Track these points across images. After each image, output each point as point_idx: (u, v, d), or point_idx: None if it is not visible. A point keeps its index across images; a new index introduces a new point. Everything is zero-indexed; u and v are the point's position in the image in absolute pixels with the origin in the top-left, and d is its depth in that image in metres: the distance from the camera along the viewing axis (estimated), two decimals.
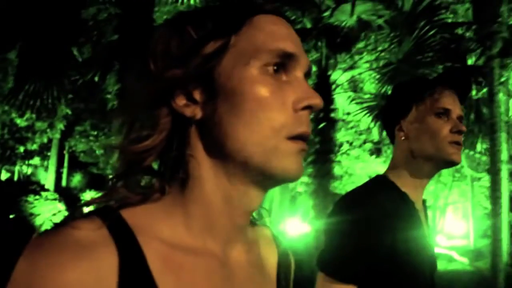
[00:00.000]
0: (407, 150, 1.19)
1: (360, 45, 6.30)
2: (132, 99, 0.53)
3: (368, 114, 5.71)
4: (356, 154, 12.95)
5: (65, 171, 20.46)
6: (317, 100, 0.52)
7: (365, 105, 5.74)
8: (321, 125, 5.40)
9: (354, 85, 7.25)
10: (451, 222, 22.45)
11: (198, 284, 0.51)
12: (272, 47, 0.51)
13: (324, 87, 5.55)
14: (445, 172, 16.03)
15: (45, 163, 18.74)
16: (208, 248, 0.53)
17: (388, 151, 14.23)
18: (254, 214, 0.60)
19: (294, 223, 12.27)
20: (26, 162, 19.14)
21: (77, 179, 21.67)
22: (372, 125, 5.78)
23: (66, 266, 0.43)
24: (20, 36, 5.30)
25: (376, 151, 14.43)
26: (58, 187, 16.47)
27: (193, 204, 0.53)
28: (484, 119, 6.12)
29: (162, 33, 0.55)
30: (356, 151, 12.92)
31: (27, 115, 12.36)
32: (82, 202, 0.52)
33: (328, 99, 5.45)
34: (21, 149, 16.89)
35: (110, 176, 0.53)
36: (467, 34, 6.29)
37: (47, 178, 16.54)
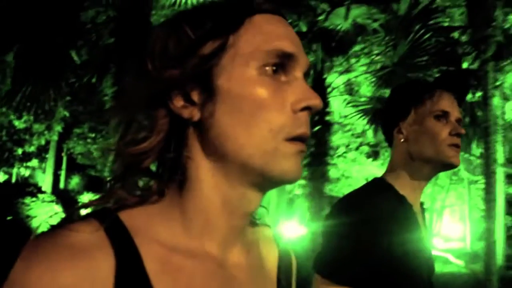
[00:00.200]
0: (406, 152, 1.19)
1: (356, 48, 6.34)
2: (129, 100, 0.52)
3: (363, 117, 5.74)
4: (353, 157, 12.98)
5: (63, 173, 20.45)
6: (316, 101, 0.51)
7: (360, 108, 5.78)
8: (316, 128, 5.43)
9: (350, 88, 7.28)
10: (448, 225, 22.48)
11: (196, 287, 0.51)
12: (270, 48, 0.50)
13: (319, 90, 5.58)
14: (442, 175, 16.06)
15: (43, 165, 18.71)
16: (206, 250, 0.53)
17: (386, 154, 14.27)
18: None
19: (291, 226, 12.28)
20: (24, 164, 19.10)
21: (75, 181, 21.65)
22: (367, 127, 5.80)
23: (62, 270, 0.43)
24: (17, 38, 5.32)
25: (374, 154, 14.47)
26: (56, 189, 16.46)
27: (191, 206, 0.52)
28: (478, 122, 6.16)
29: (160, 32, 0.54)
30: (353, 154, 12.96)
31: (25, 117, 12.38)
32: (80, 204, 0.52)
33: (323, 102, 5.46)
34: (19, 151, 16.88)
35: (108, 178, 0.53)
36: (463, 38, 6.34)
37: (45, 180, 16.52)
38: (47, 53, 5.40)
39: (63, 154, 19.22)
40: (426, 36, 5.45)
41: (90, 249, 0.45)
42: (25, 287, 0.42)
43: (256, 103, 0.49)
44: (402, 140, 1.20)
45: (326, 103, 5.61)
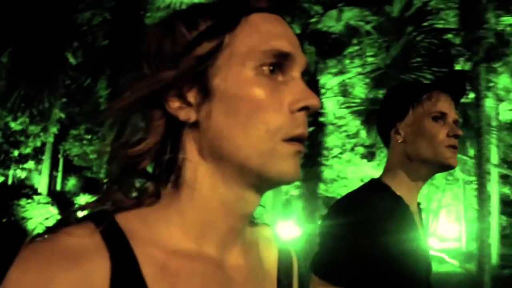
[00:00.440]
0: (403, 153, 1.19)
1: (350, 50, 6.37)
2: (124, 101, 0.51)
3: (356, 118, 5.77)
4: (348, 158, 13.02)
5: (59, 175, 20.41)
6: (314, 101, 0.51)
7: (353, 109, 5.81)
8: (310, 129, 5.46)
9: (344, 90, 7.32)
10: (444, 225, 22.55)
11: None
12: (267, 47, 0.50)
13: (313, 92, 5.59)
14: (438, 175, 16.08)
15: (40, 167, 18.68)
16: (204, 252, 0.52)
17: (381, 155, 14.31)
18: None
19: (287, 227, 12.30)
20: (20, 166, 19.06)
21: (72, 183, 21.63)
22: (360, 128, 5.84)
23: (56, 275, 0.43)
24: (12, 39, 5.33)
25: (369, 155, 14.51)
26: (52, 191, 16.43)
27: (188, 208, 0.52)
28: (471, 123, 6.21)
29: (155, 33, 0.53)
30: (348, 155, 12.99)
31: (21, 119, 12.36)
32: (76, 207, 0.51)
33: None
34: (15, 153, 16.85)
35: (105, 180, 0.52)
36: (456, 39, 6.39)
37: (41, 182, 16.50)
38: (42, 54, 5.41)
39: (59, 156, 19.19)
40: (419, 38, 5.50)
41: (85, 253, 0.45)
42: None
43: (253, 104, 0.49)
44: (399, 140, 1.20)
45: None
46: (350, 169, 13.23)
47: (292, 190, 14.77)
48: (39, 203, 10.17)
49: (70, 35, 5.89)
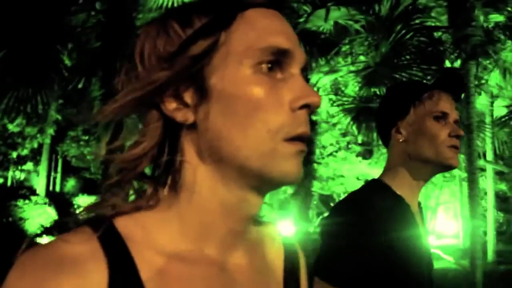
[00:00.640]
0: (404, 152, 1.19)
1: (343, 48, 6.41)
2: (118, 103, 0.49)
3: (346, 116, 5.82)
4: (343, 156, 13.06)
5: (58, 176, 20.50)
6: (315, 98, 0.49)
7: (343, 107, 5.86)
8: None
9: (336, 88, 7.37)
10: (442, 222, 22.59)
11: None
12: (265, 44, 0.48)
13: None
14: None
15: (38, 168, 18.74)
16: (206, 256, 0.51)
17: (379, 153, 14.35)
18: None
19: (284, 225, 12.33)
20: (19, 167, 19.14)
21: (71, 184, 21.70)
22: (352, 127, 5.89)
23: (51, 284, 0.42)
24: (4, 41, 5.36)
25: (368, 153, 14.56)
26: (50, 192, 16.49)
27: (188, 211, 0.50)
28: (461, 120, 6.25)
29: (149, 31, 0.51)
30: (343, 153, 13.03)
31: (17, 121, 12.41)
32: (73, 213, 0.51)
33: None
34: (14, 154, 16.93)
35: (103, 185, 0.51)
36: (447, 37, 6.43)
37: (39, 183, 16.57)
38: (36, 56, 5.45)
39: (58, 157, 19.26)
40: (408, 36, 5.54)
41: (81, 260, 0.44)
42: None
43: (251, 103, 0.47)
44: (401, 140, 1.20)
45: None
46: (345, 167, 13.27)
47: (288, 188, 14.81)
48: (36, 203, 10.24)
49: (65, 36, 5.93)
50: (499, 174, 13.33)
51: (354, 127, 5.69)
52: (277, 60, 0.49)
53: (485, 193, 12.56)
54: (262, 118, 0.47)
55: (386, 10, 5.52)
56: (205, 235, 0.51)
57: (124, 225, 0.48)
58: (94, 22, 6.38)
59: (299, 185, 5.75)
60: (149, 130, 0.50)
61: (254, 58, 0.48)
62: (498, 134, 8.65)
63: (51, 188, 19.93)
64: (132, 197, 0.52)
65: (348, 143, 12.50)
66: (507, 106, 6.96)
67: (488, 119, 9.84)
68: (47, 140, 15.37)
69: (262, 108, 0.47)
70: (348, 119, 5.79)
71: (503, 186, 15.18)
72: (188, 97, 0.49)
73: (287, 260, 0.62)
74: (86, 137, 16.06)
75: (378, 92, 5.73)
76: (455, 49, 5.75)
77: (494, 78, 7.41)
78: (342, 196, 15.84)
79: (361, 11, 5.32)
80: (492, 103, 10.23)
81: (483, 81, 7.26)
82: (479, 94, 8.65)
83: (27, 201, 9.97)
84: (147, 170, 0.52)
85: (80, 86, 6.15)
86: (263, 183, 0.50)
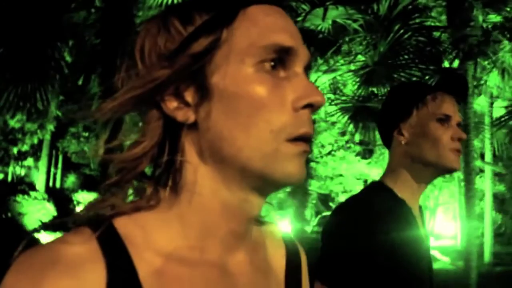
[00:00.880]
0: (406, 154, 1.18)
1: (344, 47, 6.42)
2: (117, 101, 0.48)
3: (344, 115, 5.84)
4: (342, 155, 13.07)
5: (59, 172, 20.56)
6: (318, 97, 0.48)
7: (340, 106, 5.87)
8: None
9: (334, 87, 7.38)
10: (441, 223, 22.58)
11: None
12: (267, 42, 0.47)
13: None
14: None
15: (39, 164, 18.80)
16: (206, 258, 0.50)
17: (378, 152, 14.36)
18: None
19: (282, 225, 12.36)
20: (20, 163, 19.21)
21: (71, 180, 21.75)
22: (349, 126, 5.90)
23: (49, 286, 0.41)
24: (3, 38, 5.38)
25: (368, 153, 14.56)
26: (50, 188, 16.55)
27: (189, 212, 0.49)
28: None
29: (150, 28, 0.51)
30: (342, 152, 13.05)
31: (18, 116, 12.45)
32: (72, 209, 0.50)
33: None
34: (15, 150, 16.98)
35: (102, 185, 0.50)
36: (445, 37, 6.43)
37: (38, 179, 16.63)
38: (36, 52, 5.47)
39: (59, 153, 19.32)
40: (407, 35, 5.55)
41: (80, 262, 0.43)
42: None
43: (254, 103, 0.46)
44: (403, 142, 1.19)
45: None
46: (343, 166, 13.29)
47: (286, 187, 14.80)
48: (35, 199, 10.30)
49: (65, 33, 5.94)
50: (498, 176, 13.33)
51: (351, 126, 5.70)
52: (280, 58, 0.48)
53: (483, 194, 12.56)
54: (265, 118, 0.46)
55: (384, 10, 5.53)
56: (206, 236, 0.50)
57: (124, 225, 0.48)
58: (94, 19, 6.40)
59: (297, 184, 5.74)
60: (149, 130, 0.49)
61: (256, 56, 0.47)
62: (497, 135, 8.66)
63: (51, 184, 19.99)
64: (131, 197, 0.51)
65: (347, 142, 12.51)
66: (506, 107, 6.95)
67: (487, 120, 9.83)
68: (47, 136, 15.42)
69: (264, 107, 0.46)
70: (345, 118, 5.81)
71: (502, 188, 15.17)
72: (189, 96, 0.48)
73: (289, 260, 0.62)
74: (87, 134, 16.11)
75: (375, 92, 5.74)
76: (453, 49, 5.75)
77: (493, 79, 7.41)
78: (341, 195, 15.97)
79: (360, 10, 5.33)
80: (491, 104, 10.23)
81: (481, 82, 7.25)
82: (478, 95, 8.65)
83: (26, 197, 10.02)
84: (147, 170, 0.51)
85: (80, 82, 6.17)
86: (265, 184, 0.49)
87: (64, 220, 0.49)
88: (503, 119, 6.49)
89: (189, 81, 0.48)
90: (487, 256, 11.72)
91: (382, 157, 13.70)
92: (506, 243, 14.59)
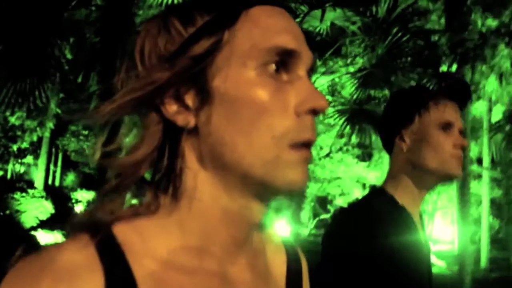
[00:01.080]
0: (407, 161, 1.18)
1: (344, 50, 6.43)
2: (116, 103, 0.47)
3: (340, 117, 5.85)
4: (339, 158, 13.10)
5: (58, 170, 20.59)
6: (321, 102, 0.46)
7: (338, 107, 5.89)
8: None
9: (333, 89, 7.40)
10: (440, 228, 22.54)
11: None
12: (270, 44, 0.46)
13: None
14: None
15: (38, 161, 18.84)
16: (206, 265, 0.49)
17: (376, 156, 14.36)
18: None
19: (280, 227, 12.36)
20: (19, 160, 19.25)
21: (70, 178, 21.77)
22: (345, 128, 5.91)
23: None
24: (4, 35, 5.40)
25: (368, 156, 14.57)
26: (49, 186, 16.58)
27: (189, 218, 0.48)
28: None
29: (150, 29, 0.50)
30: (339, 155, 13.07)
31: (17, 114, 12.49)
32: (70, 208, 0.49)
33: None
34: (14, 147, 17.02)
35: (101, 190, 0.49)
36: (443, 41, 6.45)
37: (37, 177, 16.66)
38: (36, 50, 5.48)
39: (59, 151, 19.35)
40: (405, 38, 5.56)
41: (77, 270, 0.42)
42: None
43: (255, 107, 0.45)
44: (404, 148, 1.18)
45: None
46: (341, 168, 13.31)
47: None
48: (33, 196, 10.31)
49: (66, 31, 5.96)
50: (496, 181, 13.30)
51: (347, 128, 5.72)
52: (283, 61, 0.47)
53: (480, 200, 12.55)
54: (267, 123, 0.45)
55: (383, 12, 5.55)
56: (206, 243, 0.49)
57: (123, 232, 0.47)
58: (95, 17, 6.42)
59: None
60: (149, 134, 0.48)
61: (258, 59, 0.46)
62: (496, 141, 8.66)
63: (50, 182, 20.02)
64: (130, 201, 0.50)
65: (345, 144, 12.54)
66: (503, 112, 6.96)
67: (485, 125, 9.85)
68: (47, 134, 15.45)
69: (266, 112, 0.45)
70: (342, 120, 5.82)
71: (499, 193, 15.14)
72: (189, 99, 0.47)
73: (289, 266, 0.61)
74: (86, 132, 16.14)
75: (372, 94, 5.75)
76: (451, 53, 5.77)
77: (491, 83, 7.43)
78: (338, 198, 15.96)
79: (358, 13, 5.34)
80: (490, 109, 10.24)
81: (480, 87, 7.27)
82: (476, 99, 8.66)
83: (24, 194, 10.05)
84: (147, 174, 0.50)
85: (79, 80, 6.19)
86: (267, 191, 0.48)
87: (64, 226, 0.48)
88: (500, 124, 6.51)
89: (189, 84, 0.47)
90: (483, 262, 11.72)
91: (381, 161, 13.71)
92: (503, 248, 14.55)
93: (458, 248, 6.58)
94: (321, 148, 12.57)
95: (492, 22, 5.83)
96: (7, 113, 13.49)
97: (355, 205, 1.17)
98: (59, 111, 13.78)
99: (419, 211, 1.21)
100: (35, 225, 9.75)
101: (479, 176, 12.70)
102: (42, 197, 10.61)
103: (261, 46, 0.46)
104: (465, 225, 5.80)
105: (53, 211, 10.52)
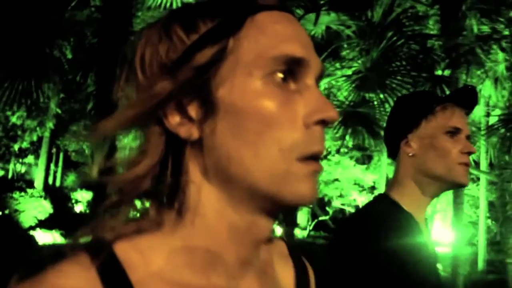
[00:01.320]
0: (413, 167, 1.16)
1: (344, 53, 6.47)
2: (116, 120, 0.45)
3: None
4: (337, 160, 13.16)
5: (59, 170, 20.67)
6: (331, 113, 0.44)
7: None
8: None
9: (329, 92, 7.45)
10: (439, 230, 22.55)
11: None
12: (277, 53, 0.44)
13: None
14: None
15: (38, 161, 18.92)
16: (213, 283, 0.47)
17: (375, 159, 14.40)
18: None
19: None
20: (20, 160, 19.33)
21: (71, 178, 21.85)
22: (339, 130, 5.96)
23: None
24: (4, 34, 5.46)
25: (367, 159, 14.61)
26: (48, 185, 16.65)
27: (194, 236, 0.46)
28: None
29: (150, 35, 0.47)
30: (337, 157, 13.13)
31: (18, 113, 12.56)
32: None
33: None
34: (15, 147, 17.10)
35: (101, 206, 0.46)
36: (440, 46, 6.49)
37: (37, 176, 16.74)
38: (35, 50, 5.54)
39: (61, 151, 19.43)
40: (399, 42, 5.61)
41: None
42: None
43: (262, 119, 0.43)
44: (410, 154, 1.16)
45: None
46: (338, 171, 13.37)
47: None
48: (32, 196, 10.38)
49: (66, 31, 6.02)
50: (494, 184, 13.30)
51: (341, 131, 5.77)
52: (290, 69, 0.45)
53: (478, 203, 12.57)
54: (274, 135, 0.43)
55: (378, 17, 5.60)
56: (212, 262, 0.47)
57: (125, 251, 0.44)
58: (94, 18, 6.48)
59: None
60: (151, 147, 0.45)
61: (265, 68, 0.44)
62: (494, 144, 8.68)
63: (51, 182, 20.11)
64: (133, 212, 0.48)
65: (340, 146, 12.59)
66: (498, 116, 7.00)
67: (483, 129, 9.88)
68: (47, 134, 15.52)
69: (274, 124, 0.43)
70: (335, 122, 5.87)
71: (494, 196, 15.13)
72: (192, 110, 0.45)
73: (297, 278, 0.59)
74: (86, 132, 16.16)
75: (367, 97, 5.80)
76: (445, 58, 5.81)
77: (487, 88, 7.47)
78: (336, 200, 16.00)
79: (353, 17, 5.40)
80: (488, 113, 10.27)
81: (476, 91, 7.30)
82: None
83: (23, 194, 10.12)
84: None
85: (77, 79, 6.24)
86: (275, 206, 0.46)
87: (63, 248, 0.44)
88: (494, 127, 6.54)
89: (192, 94, 0.45)
90: (480, 264, 11.75)
91: (379, 163, 13.75)
92: (500, 250, 14.53)
93: (452, 250, 6.62)
94: None
95: (486, 28, 5.87)
96: (9, 113, 13.57)
97: (361, 213, 1.16)
98: (59, 111, 13.85)
99: (424, 217, 1.19)
100: (33, 224, 9.84)
101: (477, 179, 12.72)
102: (41, 196, 10.68)
103: (268, 55, 0.44)
104: (459, 227, 5.84)
105: (51, 211, 10.60)
